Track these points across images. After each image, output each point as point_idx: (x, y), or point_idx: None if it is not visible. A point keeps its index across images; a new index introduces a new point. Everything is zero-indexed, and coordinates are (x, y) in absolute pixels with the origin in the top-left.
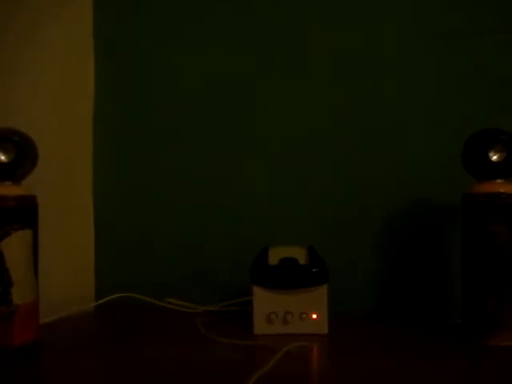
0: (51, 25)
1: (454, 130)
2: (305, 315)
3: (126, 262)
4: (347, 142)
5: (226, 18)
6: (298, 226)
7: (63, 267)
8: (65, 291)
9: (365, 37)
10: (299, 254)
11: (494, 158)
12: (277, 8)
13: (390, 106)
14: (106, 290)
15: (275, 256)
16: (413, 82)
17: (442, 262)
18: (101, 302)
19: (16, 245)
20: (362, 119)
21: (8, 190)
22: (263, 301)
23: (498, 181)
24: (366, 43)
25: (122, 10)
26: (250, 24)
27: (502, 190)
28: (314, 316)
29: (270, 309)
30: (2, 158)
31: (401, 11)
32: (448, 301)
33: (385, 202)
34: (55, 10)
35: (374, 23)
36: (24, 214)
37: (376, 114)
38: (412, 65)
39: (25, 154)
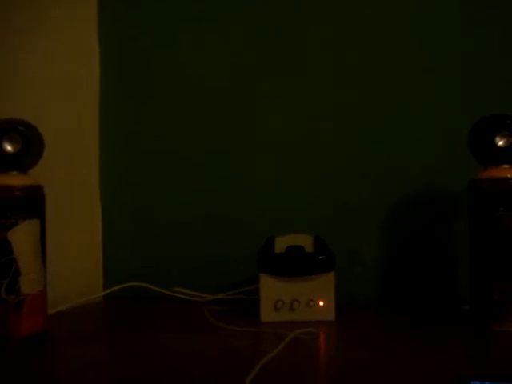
0: (56, 17)
1: (458, 117)
2: (312, 302)
3: (133, 252)
4: (348, 133)
5: (227, 17)
6: (303, 217)
7: (71, 257)
8: (73, 281)
9: (365, 36)
10: (306, 242)
11: (500, 143)
12: (277, 7)
13: (390, 104)
14: (114, 280)
15: (282, 244)
16: (412, 80)
17: (448, 248)
18: (109, 291)
19: (23, 235)
20: (368, 112)
21: (14, 179)
22: (270, 288)
23: (505, 166)
24: (365, 43)
25: (126, 7)
26: (250, 23)
27: (508, 175)
28: (321, 303)
29: (276, 296)
30: (9, 148)
31: (400, 10)
32: (456, 288)
33: (389, 189)
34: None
35: (375, 23)
36: (31, 203)
37: (377, 110)
38: (411, 63)
39: (31, 143)
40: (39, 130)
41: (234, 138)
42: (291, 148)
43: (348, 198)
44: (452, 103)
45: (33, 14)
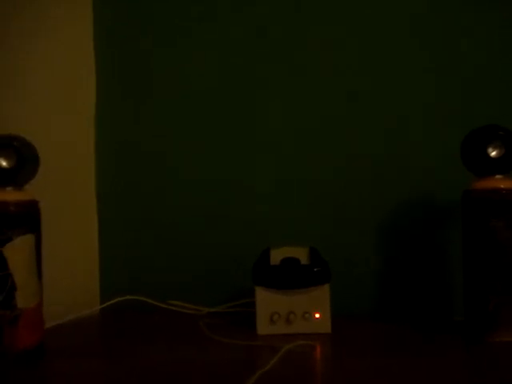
0: (56, 18)
1: (453, 128)
2: (308, 315)
3: (129, 266)
4: (346, 142)
5: (227, 17)
6: (299, 228)
7: (68, 271)
8: (70, 295)
9: (365, 36)
10: (301, 255)
11: (493, 153)
12: (277, 7)
13: (390, 105)
14: (111, 294)
15: (277, 256)
16: (412, 81)
17: (443, 259)
18: (105, 305)
19: (19, 250)
20: (361, 118)
21: (10, 195)
22: (266, 301)
23: (497, 176)
24: (365, 43)
25: (126, 7)
26: (250, 23)
27: (501, 186)
28: (317, 315)
29: (272, 309)
30: (3, 163)
31: (400, 10)
32: (451, 298)
33: (385, 200)
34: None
35: (375, 23)
36: (26, 219)
37: (375, 113)
38: (410, 64)
39: (26, 159)
40: (33, 144)
41: (233, 138)
42: (291, 148)
43: (344, 209)
44: (452, 103)
45: (33, 14)
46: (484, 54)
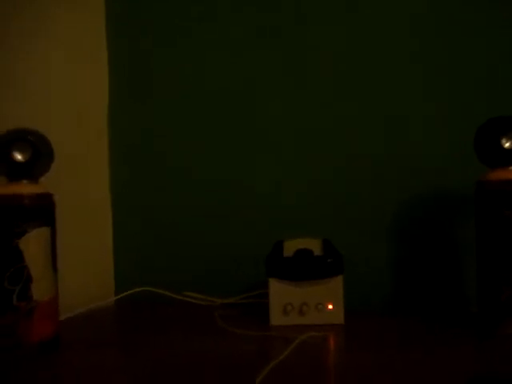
0: (56, 18)
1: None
2: (321, 306)
3: (144, 258)
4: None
5: (227, 17)
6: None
7: (83, 264)
8: (84, 287)
9: (365, 36)
10: (314, 246)
11: (507, 145)
12: (277, 7)
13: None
14: (125, 286)
15: (290, 248)
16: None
17: (459, 250)
18: (120, 296)
19: (34, 242)
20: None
21: (25, 188)
22: (279, 292)
23: (511, 168)
24: (365, 43)
25: (126, 7)
26: (250, 23)
27: None
28: (330, 306)
29: (286, 300)
30: (19, 157)
31: (400, 11)
32: (464, 290)
33: (397, 193)
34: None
35: (375, 22)
36: (41, 211)
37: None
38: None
39: (40, 152)
40: (48, 138)
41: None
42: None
43: (348, 199)
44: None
45: (33, 14)
46: (484, 53)
